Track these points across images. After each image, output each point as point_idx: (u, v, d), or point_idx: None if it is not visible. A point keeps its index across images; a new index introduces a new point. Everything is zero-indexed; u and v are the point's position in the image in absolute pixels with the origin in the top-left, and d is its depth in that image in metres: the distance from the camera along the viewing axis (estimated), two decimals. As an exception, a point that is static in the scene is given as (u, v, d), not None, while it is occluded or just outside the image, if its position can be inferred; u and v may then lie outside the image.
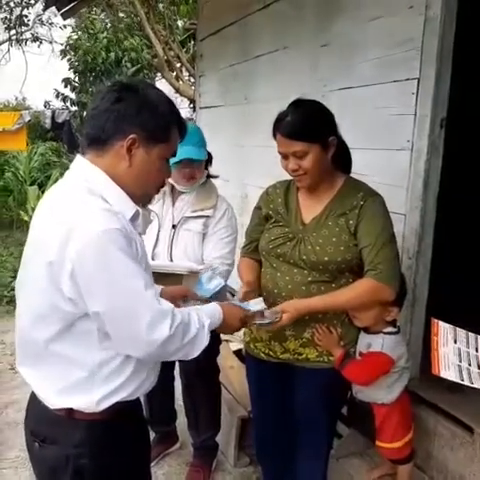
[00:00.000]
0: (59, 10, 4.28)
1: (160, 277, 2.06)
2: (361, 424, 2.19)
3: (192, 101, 12.10)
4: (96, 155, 1.25)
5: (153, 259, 2.19)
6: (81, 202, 1.19)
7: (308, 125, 1.58)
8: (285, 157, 1.63)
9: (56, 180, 1.34)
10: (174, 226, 2.20)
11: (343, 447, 2.43)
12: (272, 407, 1.92)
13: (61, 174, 1.35)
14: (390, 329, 1.87)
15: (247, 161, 3.61)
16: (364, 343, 1.84)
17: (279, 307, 1.61)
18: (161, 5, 11.07)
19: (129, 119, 1.22)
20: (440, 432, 2.16)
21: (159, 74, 13.12)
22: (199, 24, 4.44)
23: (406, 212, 2.20)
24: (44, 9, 9.46)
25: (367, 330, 1.84)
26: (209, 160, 2.26)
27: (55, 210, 1.21)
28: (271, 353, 1.80)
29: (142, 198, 1.34)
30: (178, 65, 12.20)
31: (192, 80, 12.70)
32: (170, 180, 2.19)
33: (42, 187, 8.32)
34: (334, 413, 1.90)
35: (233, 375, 2.89)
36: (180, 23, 12.52)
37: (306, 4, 2.82)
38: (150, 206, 2.21)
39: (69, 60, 12.18)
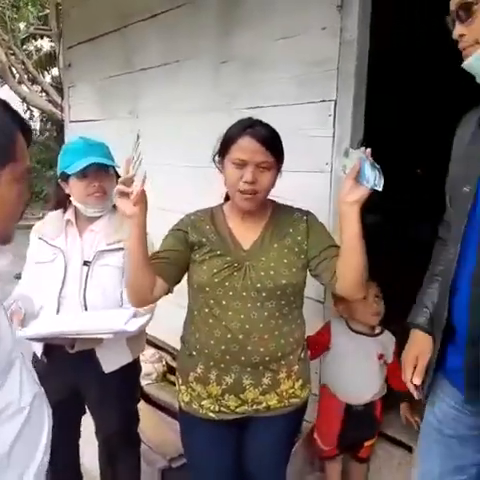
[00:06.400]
0: None
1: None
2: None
3: (43, 112, 11.25)
4: None
5: (60, 303, 1.86)
6: None
7: (279, 141, 1.53)
8: (242, 165, 1.47)
9: None
10: (86, 263, 1.87)
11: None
12: (224, 467, 1.67)
13: None
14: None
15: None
16: (378, 347, 2.05)
17: None
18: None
19: None
20: (376, 453, 2.16)
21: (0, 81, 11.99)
22: (66, 30, 4.06)
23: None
24: None
25: (371, 334, 2.07)
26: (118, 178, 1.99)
27: None
28: (223, 409, 1.58)
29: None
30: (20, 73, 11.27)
31: (36, 88, 11.82)
32: (75, 203, 1.88)
33: None
34: (289, 456, 1.77)
35: (143, 420, 2.61)
36: (22, 26, 11.57)
37: (202, 18, 2.70)
38: (51, 241, 1.91)
39: None
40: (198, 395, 1.60)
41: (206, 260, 1.55)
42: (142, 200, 1.38)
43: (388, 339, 2.12)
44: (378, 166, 1.33)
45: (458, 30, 1.20)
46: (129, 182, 1.37)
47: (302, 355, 1.64)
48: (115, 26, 3.35)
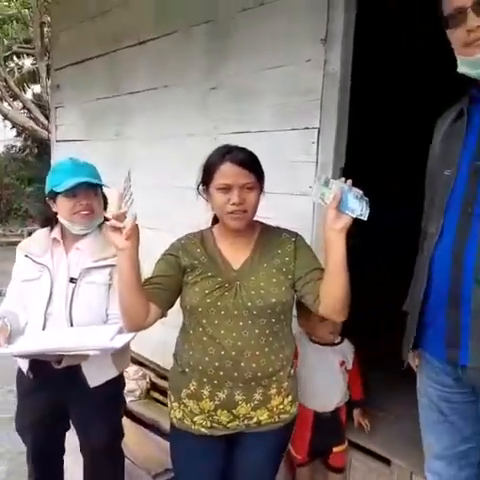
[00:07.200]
0: None
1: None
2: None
3: (24, 129, 11.20)
4: None
5: (46, 320, 1.89)
6: None
7: (257, 162, 1.62)
8: (228, 189, 1.54)
9: None
10: (72, 280, 1.91)
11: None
12: None
13: None
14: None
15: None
16: (339, 356, 2.20)
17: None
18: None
19: None
20: (355, 467, 2.22)
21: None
22: (54, 53, 4.14)
23: (311, 254, 2.26)
24: None
25: (331, 343, 2.21)
26: (105, 202, 2.02)
27: None
28: (215, 425, 1.63)
29: None
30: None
31: (17, 105, 11.79)
32: (62, 221, 1.93)
33: None
34: (277, 471, 1.81)
35: (127, 436, 2.62)
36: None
37: (191, 47, 2.81)
38: (37, 259, 1.96)
39: None
40: (190, 411, 1.64)
41: (198, 282, 1.61)
42: (134, 234, 1.44)
43: (348, 347, 2.26)
44: (366, 198, 1.41)
45: (476, 21, 1.29)
46: (122, 217, 1.43)
47: (291, 372, 1.70)
48: (104, 50, 3.45)
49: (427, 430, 1.60)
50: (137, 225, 1.44)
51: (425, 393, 1.57)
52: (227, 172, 1.54)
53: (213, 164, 1.58)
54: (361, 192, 1.42)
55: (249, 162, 1.58)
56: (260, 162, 1.64)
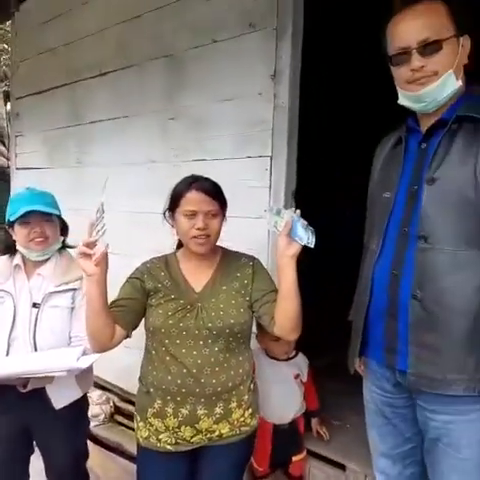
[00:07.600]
0: None
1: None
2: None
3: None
4: None
5: (10, 345, 1.93)
6: None
7: (221, 191, 1.75)
8: (193, 215, 1.66)
9: None
10: (35, 305, 1.97)
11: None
12: None
13: None
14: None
15: (83, 225, 3.46)
16: (293, 369, 2.33)
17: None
18: None
19: None
20: (313, 475, 2.33)
21: None
22: (14, 82, 4.20)
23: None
24: None
25: (286, 358, 2.34)
26: (65, 228, 2.13)
27: None
28: (180, 441, 1.71)
29: None
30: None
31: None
32: (19, 248, 2.00)
33: None
34: None
35: (91, 458, 2.64)
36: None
37: (149, 79, 2.95)
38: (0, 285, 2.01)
39: None
40: (156, 430, 1.72)
41: (161, 304, 1.71)
42: (103, 260, 1.51)
43: (302, 360, 2.40)
44: (311, 228, 1.57)
45: (420, 62, 1.37)
46: (92, 245, 1.51)
47: (251, 386, 1.81)
48: (64, 81, 3.55)
49: (373, 432, 1.73)
50: (106, 253, 1.52)
51: (371, 399, 1.70)
52: (193, 199, 1.67)
53: (180, 192, 1.70)
54: (306, 222, 1.58)
55: (213, 191, 1.71)
56: (223, 191, 1.77)
